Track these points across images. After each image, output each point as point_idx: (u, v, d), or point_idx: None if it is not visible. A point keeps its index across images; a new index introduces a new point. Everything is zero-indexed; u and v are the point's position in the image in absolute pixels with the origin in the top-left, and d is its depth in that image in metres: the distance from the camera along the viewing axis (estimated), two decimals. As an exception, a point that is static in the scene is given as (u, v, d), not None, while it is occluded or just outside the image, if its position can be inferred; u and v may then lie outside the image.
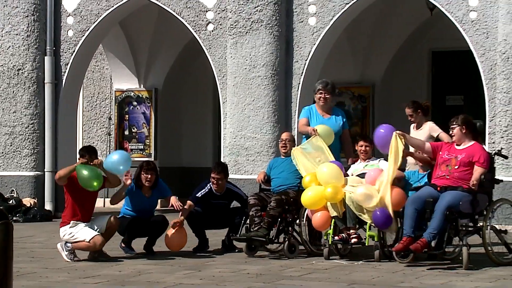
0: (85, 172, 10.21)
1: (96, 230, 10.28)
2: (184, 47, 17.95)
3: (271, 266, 9.88)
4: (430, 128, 11.25)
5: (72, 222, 10.33)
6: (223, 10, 15.21)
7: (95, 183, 10.20)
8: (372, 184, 10.09)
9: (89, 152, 10.52)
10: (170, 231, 10.69)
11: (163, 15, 16.47)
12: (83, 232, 10.25)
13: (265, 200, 10.78)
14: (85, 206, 10.40)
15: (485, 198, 9.87)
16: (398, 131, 10.05)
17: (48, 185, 16.13)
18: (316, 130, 10.69)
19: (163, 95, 18.42)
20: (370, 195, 9.93)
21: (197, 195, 11.15)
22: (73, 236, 10.28)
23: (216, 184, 11.14)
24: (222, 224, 11.26)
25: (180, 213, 10.84)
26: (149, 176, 10.77)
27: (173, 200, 10.77)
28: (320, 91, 11.07)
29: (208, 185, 11.20)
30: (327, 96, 11.08)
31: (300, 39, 14.80)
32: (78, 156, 10.86)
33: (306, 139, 10.90)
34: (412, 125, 11.47)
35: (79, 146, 18.06)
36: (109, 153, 18.39)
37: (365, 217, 10.00)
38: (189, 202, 11.00)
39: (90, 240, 10.18)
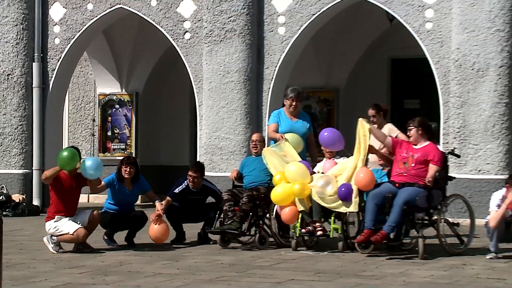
0: (64, 153, 10.42)
1: (79, 224, 10.27)
2: (163, 54, 17.90)
3: (243, 256, 9.90)
4: (389, 129, 11.30)
5: (56, 216, 10.31)
6: (199, 20, 15.20)
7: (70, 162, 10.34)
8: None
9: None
10: (153, 227, 10.67)
11: (144, 25, 16.42)
12: (67, 226, 10.23)
13: (237, 195, 10.80)
14: (69, 202, 10.38)
15: (439, 193, 9.94)
16: (362, 119, 10.13)
17: (35, 182, 16.05)
18: (284, 137, 10.72)
19: (143, 99, 18.37)
20: (328, 182, 10.00)
21: (175, 191, 11.16)
22: (57, 229, 10.26)
23: (192, 182, 11.14)
24: (198, 218, 11.26)
25: (156, 207, 10.83)
26: (128, 169, 10.78)
27: (158, 205, 10.79)
28: (292, 99, 11.10)
29: (185, 182, 11.20)
30: (297, 103, 11.15)
31: (270, 47, 14.81)
32: None
33: (274, 143, 10.93)
34: (373, 126, 11.51)
35: (65, 146, 17.98)
36: (93, 152, 18.36)
37: (333, 206, 10.07)
38: (167, 198, 11.01)
39: (73, 232, 10.16)
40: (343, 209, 10.04)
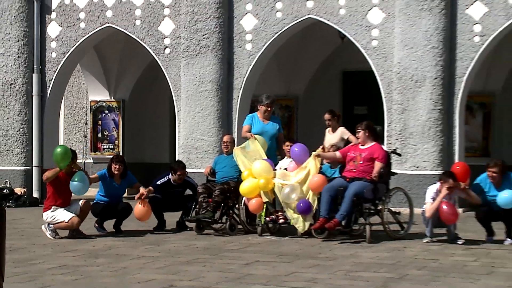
0: (58, 149, 10.37)
1: (72, 213, 10.21)
2: (146, 67, 17.84)
3: (215, 241, 9.89)
4: (342, 132, 11.38)
5: (53, 207, 10.24)
6: (178, 37, 15.16)
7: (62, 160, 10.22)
8: (294, 169, 10.16)
9: (73, 159, 10.46)
10: (138, 206, 10.66)
11: (130, 41, 16.35)
12: (63, 215, 10.16)
13: (211, 189, 10.80)
14: (64, 195, 10.31)
15: (384, 187, 10.00)
16: (314, 153, 10.10)
17: (35, 177, 15.94)
18: (254, 136, 10.74)
19: (129, 105, 18.29)
20: (293, 190, 9.98)
21: (157, 182, 11.16)
22: (54, 218, 10.20)
23: (180, 179, 11.14)
24: (177, 208, 11.23)
25: (141, 191, 10.79)
26: (117, 166, 10.75)
27: (142, 190, 10.77)
28: (267, 105, 11.10)
29: (167, 176, 11.18)
30: (270, 109, 11.17)
31: (239, 61, 14.82)
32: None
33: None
34: (328, 129, 11.58)
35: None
36: (86, 152, 18.25)
37: (290, 212, 10.04)
38: (150, 188, 11.01)
39: (68, 220, 10.11)
40: (299, 225, 10.00)
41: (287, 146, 10.74)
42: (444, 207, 9.39)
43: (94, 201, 10.79)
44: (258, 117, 11.13)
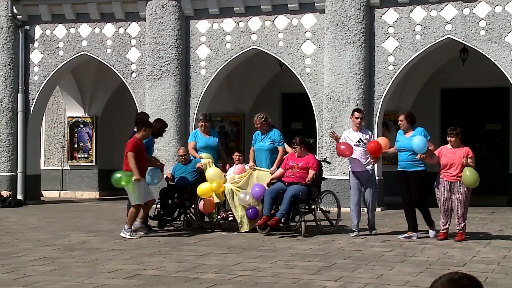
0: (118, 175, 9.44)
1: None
2: (116, 88, 17.60)
3: (175, 236, 9.77)
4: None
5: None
6: (143, 64, 15.01)
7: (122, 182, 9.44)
8: (240, 172, 10.09)
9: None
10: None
11: (102, 66, 16.12)
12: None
13: (171, 191, 10.65)
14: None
15: (316, 190, 10.03)
16: (271, 178, 9.98)
17: (19, 182, 15.55)
18: (201, 157, 10.50)
19: (101, 120, 18.01)
20: (246, 194, 9.94)
21: None
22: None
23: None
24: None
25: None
26: None
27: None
28: (201, 120, 10.90)
29: None
30: (206, 124, 10.87)
31: (195, 84, 14.74)
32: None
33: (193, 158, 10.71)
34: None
35: (43, 156, 17.58)
36: (64, 160, 17.88)
37: (238, 213, 9.98)
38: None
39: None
40: (244, 227, 9.95)
41: (236, 156, 10.68)
42: (342, 146, 9.51)
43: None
44: (200, 133, 10.91)
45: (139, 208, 9.49)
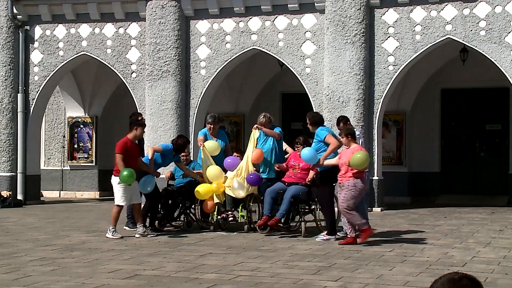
0: (125, 173, 9.35)
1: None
2: (115, 89, 17.61)
3: (175, 236, 9.77)
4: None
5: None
6: (143, 64, 15.01)
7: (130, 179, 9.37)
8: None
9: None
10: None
11: (102, 66, 16.12)
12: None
13: (171, 192, 10.65)
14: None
15: (316, 190, 10.01)
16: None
17: (19, 182, 15.52)
18: (203, 145, 10.55)
19: (101, 121, 18.02)
20: (240, 187, 9.95)
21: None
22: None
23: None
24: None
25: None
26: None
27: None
28: (210, 123, 10.95)
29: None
30: (215, 126, 10.92)
31: (195, 84, 14.74)
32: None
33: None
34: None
35: (43, 156, 17.58)
36: (64, 160, 17.89)
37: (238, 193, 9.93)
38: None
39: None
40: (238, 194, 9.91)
41: (236, 155, 10.68)
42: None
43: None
44: (208, 134, 10.95)
45: (120, 209, 9.50)
